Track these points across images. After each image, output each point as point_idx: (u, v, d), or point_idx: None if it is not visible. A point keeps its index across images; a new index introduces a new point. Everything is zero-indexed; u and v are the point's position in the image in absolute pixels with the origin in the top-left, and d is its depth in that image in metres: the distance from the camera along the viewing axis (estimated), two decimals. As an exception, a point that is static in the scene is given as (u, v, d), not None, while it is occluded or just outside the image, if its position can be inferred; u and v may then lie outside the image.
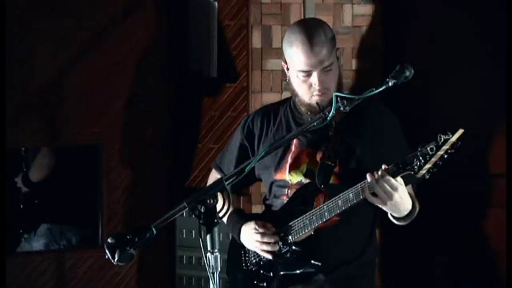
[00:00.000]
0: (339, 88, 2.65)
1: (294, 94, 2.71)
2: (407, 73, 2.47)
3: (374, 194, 2.46)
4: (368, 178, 2.45)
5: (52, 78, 4.13)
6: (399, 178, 2.44)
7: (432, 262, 4.46)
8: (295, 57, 2.62)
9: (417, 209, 2.62)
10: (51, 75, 4.12)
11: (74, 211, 4.32)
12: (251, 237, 2.71)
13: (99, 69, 4.21)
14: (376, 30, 4.28)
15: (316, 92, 2.61)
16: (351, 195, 2.50)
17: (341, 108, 2.38)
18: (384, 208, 2.51)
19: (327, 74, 2.60)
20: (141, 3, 4.28)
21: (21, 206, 4.30)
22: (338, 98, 2.39)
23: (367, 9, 4.28)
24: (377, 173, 2.44)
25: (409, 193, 2.58)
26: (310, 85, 2.62)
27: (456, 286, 4.45)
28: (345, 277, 2.69)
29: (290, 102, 2.79)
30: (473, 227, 4.46)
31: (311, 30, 2.60)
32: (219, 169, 2.94)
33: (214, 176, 2.99)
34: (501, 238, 4.30)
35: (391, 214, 2.60)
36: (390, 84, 2.46)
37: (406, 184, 2.61)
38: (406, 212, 2.55)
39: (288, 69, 2.69)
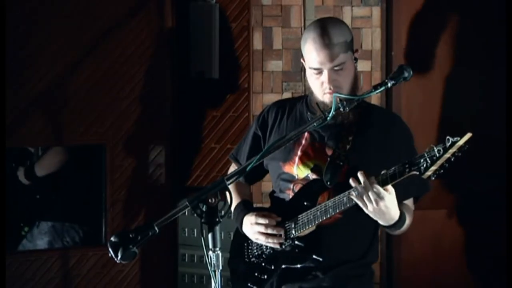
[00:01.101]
0: (354, 90, 2.65)
1: (309, 92, 2.74)
2: (406, 74, 2.48)
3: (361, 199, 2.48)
4: (354, 183, 2.48)
5: (56, 78, 4.13)
6: (390, 188, 2.46)
7: (432, 262, 4.47)
8: (308, 54, 2.64)
9: (407, 222, 2.63)
10: (55, 76, 4.13)
11: (78, 209, 4.32)
12: (253, 228, 2.73)
13: (103, 69, 4.22)
14: (375, 31, 4.31)
15: (327, 90, 2.62)
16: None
17: (341, 109, 2.40)
18: (369, 214, 2.53)
19: (338, 73, 2.61)
20: (144, 5, 4.28)
21: (22, 199, 4.31)
22: (338, 99, 2.41)
23: (366, 11, 4.30)
24: (367, 180, 2.46)
25: (404, 206, 2.62)
26: (322, 83, 2.63)
27: (456, 285, 4.47)
28: (343, 276, 2.71)
29: (306, 98, 2.81)
30: (473, 227, 4.47)
31: (324, 29, 2.61)
32: (235, 160, 2.96)
33: (232, 168, 3.02)
34: (501, 238, 4.31)
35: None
36: (389, 85, 2.47)
37: (409, 197, 2.66)
38: (391, 222, 2.56)
39: (305, 66, 2.71)
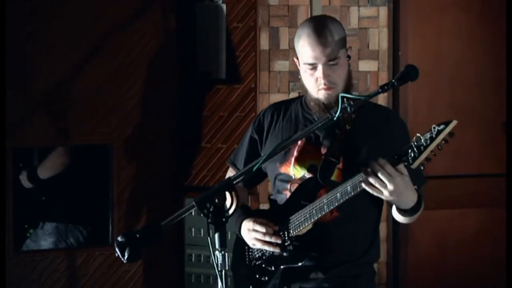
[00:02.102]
0: (348, 87, 2.65)
1: (304, 90, 2.73)
2: (413, 74, 2.47)
3: (373, 185, 2.45)
4: (363, 170, 2.45)
5: (63, 78, 4.15)
6: (402, 168, 2.43)
7: (438, 262, 4.47)
8: (302, 49, 2.64)
9: (422, 206, 2.60)
10: (62, 76, 4.15)
11: (85, 210, 4.34)
12: (251, 235, 2.71)
13: (109, 70, 4.23)
14: (382, 31, 4.31)
15: (321, 86, 2.62)
16: (349, 187, 2.50)
17: (348, 109, 2.40)
18: (387, 199, 2.49)
19: (333, 69, 2.61)
20: (150, 5, 4.29)
21: (28, 200, 4.31)
22: (345, 99, 2.41)
23: (373, 11, 4.30)
24: (373, 162, 2.43)
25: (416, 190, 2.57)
26: (317, 79, 2.63)
27: (461, 286, 4.47)
28: (344, 275, 2.69)
29: (301, 99, 2.81)
30: (474, 227, 4.48)
31: (319, 25, 2.62)
32: (233, 164, 2.94)
33: (230, 172, 3.01)
34: (501, 238, 4.31)
35: (396, 209, 2.59)
36: (395, 85, 2.46)
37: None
38: (412, 204, 2.53)
39: (299, 64, 2.70)
